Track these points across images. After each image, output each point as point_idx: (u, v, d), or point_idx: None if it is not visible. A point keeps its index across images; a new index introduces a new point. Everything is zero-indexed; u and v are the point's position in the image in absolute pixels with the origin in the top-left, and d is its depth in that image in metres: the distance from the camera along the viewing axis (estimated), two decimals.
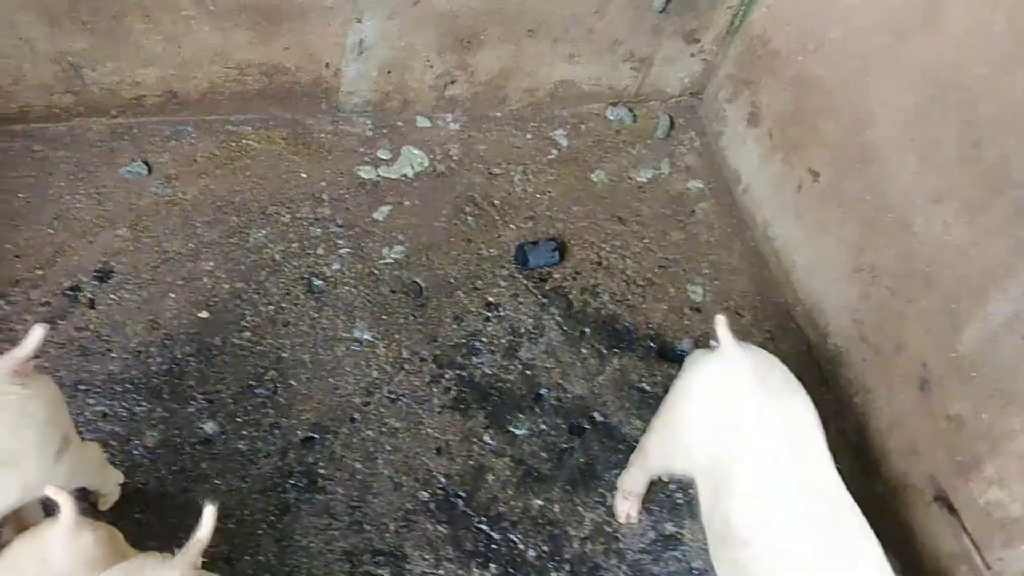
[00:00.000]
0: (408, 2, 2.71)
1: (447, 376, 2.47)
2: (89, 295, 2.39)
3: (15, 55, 2.51)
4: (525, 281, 2.73)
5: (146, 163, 2.71)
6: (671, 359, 2.63)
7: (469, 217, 2.86)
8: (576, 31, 3.00)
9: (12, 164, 2.62)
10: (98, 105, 2.73)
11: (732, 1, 3.01)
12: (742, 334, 2.67)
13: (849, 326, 2.54)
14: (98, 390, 2.24)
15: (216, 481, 2.15)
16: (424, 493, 2.24)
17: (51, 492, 1.49)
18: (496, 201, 2.92)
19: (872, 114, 2.44)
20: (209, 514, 1.49)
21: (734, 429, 1.78)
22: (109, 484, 1.98)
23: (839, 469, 1.75)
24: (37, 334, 1.57)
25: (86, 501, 1.97)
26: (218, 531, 2.07)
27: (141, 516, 2.06)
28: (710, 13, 3.05)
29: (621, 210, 2.99)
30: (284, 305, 2.51)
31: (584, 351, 2.61)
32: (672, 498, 2.36)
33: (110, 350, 2.31)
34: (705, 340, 2.66)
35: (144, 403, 2.24)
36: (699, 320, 2.75)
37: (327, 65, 2.85)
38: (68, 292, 2.39)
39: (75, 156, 2.68)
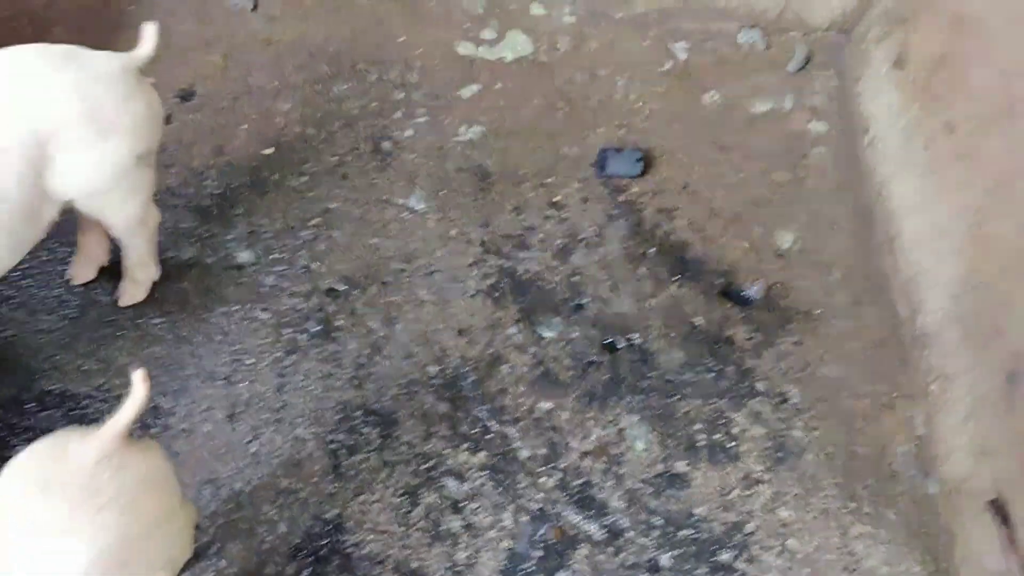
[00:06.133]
0: None
1: (490, 263, 2.37)
2: (167, 111, 2.45)
3: None
4: (600, 188, 2.56)
5: None
6: (734, 300, 2.40)
7: (559, 113, 2.70)
8: None
9: None
10: None
11: None
12: (827, 291, 2.43)
13: (946, 304, 2.22)
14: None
15: (234, 307, 2.18)
16: (433, 368, 2.18)
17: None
18: (592, 103, 2.74)
19: None
20: (139, 379, 1.37)
21: None
22: (147, 268, 2.05)
23: None
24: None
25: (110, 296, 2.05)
26: (227, 354, 2.13)
27: (160, 321, 2.12)
28: None
29: (727, 137, 2.73)
30: (348, 159, 2.48)
31: (641, 271, 2.42)
32: (693, 438, 2.18)
33: (172, 165, 2.37)
34: (780, 288, 2.42)
35: (190, 220, 2.29)
36: (779, 266, 2.49)
37: None
38: None
39: None
